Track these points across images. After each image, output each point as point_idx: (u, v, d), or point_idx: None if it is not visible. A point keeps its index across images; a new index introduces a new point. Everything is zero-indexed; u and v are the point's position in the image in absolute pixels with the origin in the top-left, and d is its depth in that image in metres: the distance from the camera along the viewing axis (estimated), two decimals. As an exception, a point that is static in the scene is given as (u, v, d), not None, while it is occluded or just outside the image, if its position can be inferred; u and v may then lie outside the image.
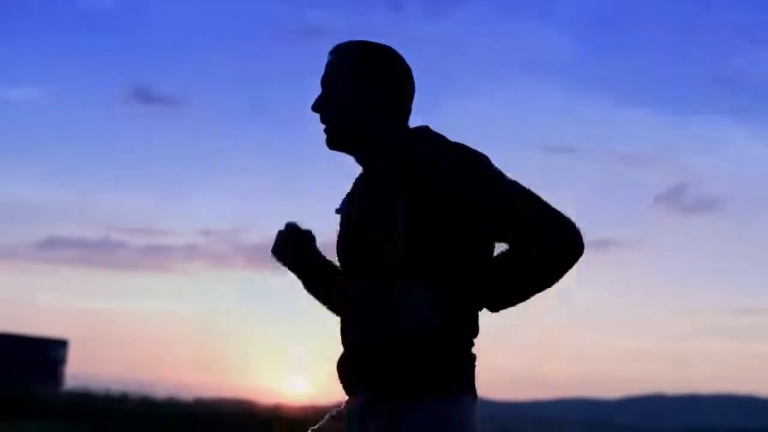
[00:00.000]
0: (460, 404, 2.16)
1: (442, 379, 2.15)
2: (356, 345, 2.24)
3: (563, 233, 2.09)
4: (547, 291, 2.15)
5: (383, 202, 2.18)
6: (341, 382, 2.29)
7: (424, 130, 2.27)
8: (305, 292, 2.51)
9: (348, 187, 2.39)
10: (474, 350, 2.22)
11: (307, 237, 2.45)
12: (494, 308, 2.22)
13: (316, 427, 2.32)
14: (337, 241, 2.37)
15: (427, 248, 2.14)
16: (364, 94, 2.28)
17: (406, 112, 2.32)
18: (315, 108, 2.33)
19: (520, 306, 2.22)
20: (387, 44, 2.35)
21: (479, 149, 2.16)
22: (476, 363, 2.22)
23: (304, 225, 2.46)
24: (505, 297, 2.20)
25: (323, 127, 2.33)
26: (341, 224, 2.36)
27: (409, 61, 2.34)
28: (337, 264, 2.40)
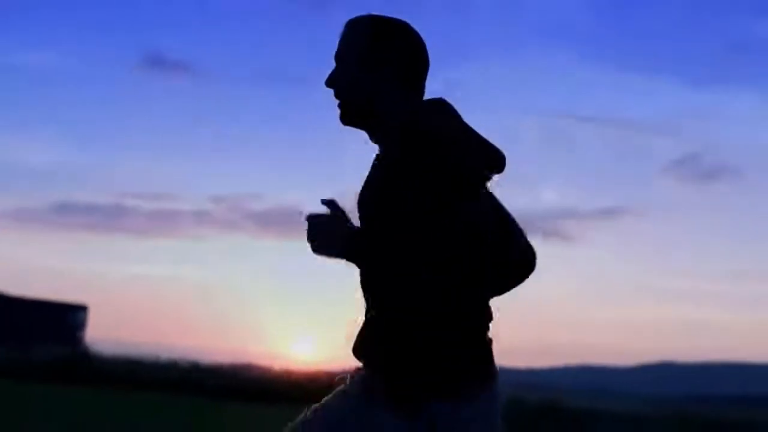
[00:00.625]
0: (496, 394, 2.21)
1: (479, 373, 2.17)
2: (379, 324, 2.23)
3: (532, 260, 2.30)
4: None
5: (395, 179, 2.16)
6: (357, 356, 2.30)
7: (439, 102, 2.26)
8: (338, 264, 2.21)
9: (358, 158, 2.37)
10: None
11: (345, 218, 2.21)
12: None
13: (317, 405, 2.32)
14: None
15: (437, 225, 2.09)
16: (376, 71, 2.26)
17: (421, 87, 2.30)
18: (328, 83, 2.31)
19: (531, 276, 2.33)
20: (401, 19, 2.32)
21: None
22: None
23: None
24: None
25: (337, 102, 2.31)
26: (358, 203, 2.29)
27: (420, 28, 2.30)
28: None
